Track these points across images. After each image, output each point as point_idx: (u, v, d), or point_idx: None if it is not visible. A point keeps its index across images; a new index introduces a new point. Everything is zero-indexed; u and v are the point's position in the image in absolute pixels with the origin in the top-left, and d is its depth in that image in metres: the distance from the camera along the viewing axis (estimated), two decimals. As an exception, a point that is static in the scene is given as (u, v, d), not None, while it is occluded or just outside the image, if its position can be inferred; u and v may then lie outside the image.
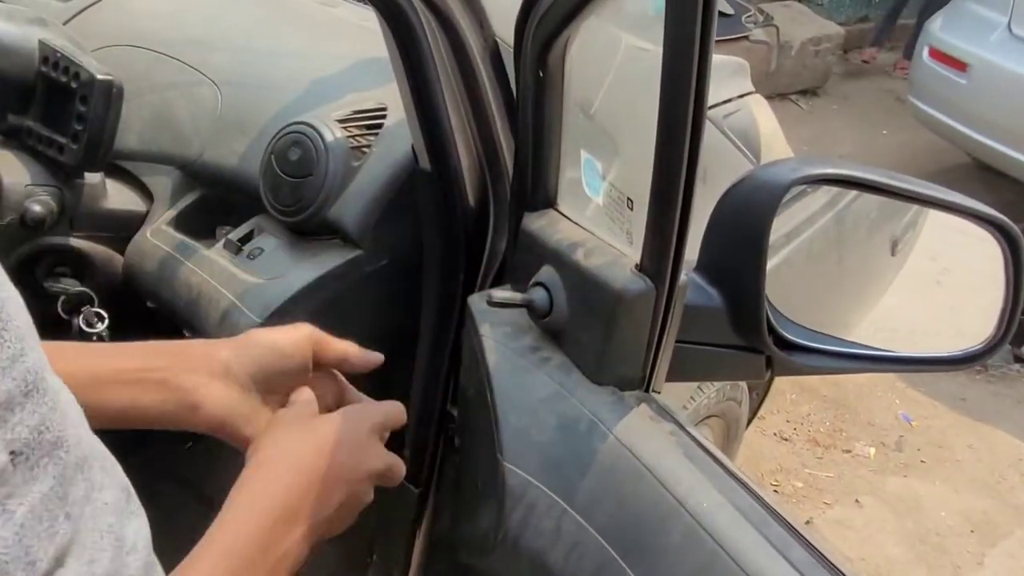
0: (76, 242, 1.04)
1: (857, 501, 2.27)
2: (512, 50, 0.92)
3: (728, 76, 1.58)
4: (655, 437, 0.69)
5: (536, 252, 0.82)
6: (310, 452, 0.60)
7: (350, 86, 1.06)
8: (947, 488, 2.35)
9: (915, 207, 1.04)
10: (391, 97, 1.05)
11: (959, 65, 3.11)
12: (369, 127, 1.00)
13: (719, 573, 0.57)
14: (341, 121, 0.98)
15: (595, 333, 0.73)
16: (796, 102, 4.77)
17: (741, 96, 1.60)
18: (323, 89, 1.07)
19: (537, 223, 0.83)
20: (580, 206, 0.82)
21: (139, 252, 1.07)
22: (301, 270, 0.96)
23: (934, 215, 1.05)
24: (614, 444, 0.69)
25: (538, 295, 0.79)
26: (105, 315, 1.03)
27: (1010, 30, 3.00)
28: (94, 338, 1.05)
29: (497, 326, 0.84)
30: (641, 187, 0.69)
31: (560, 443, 0.73)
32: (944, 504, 2.28)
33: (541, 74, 0.76)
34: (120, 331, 1.09)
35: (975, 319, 0.96)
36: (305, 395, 0.68)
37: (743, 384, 1.76)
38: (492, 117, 0.93)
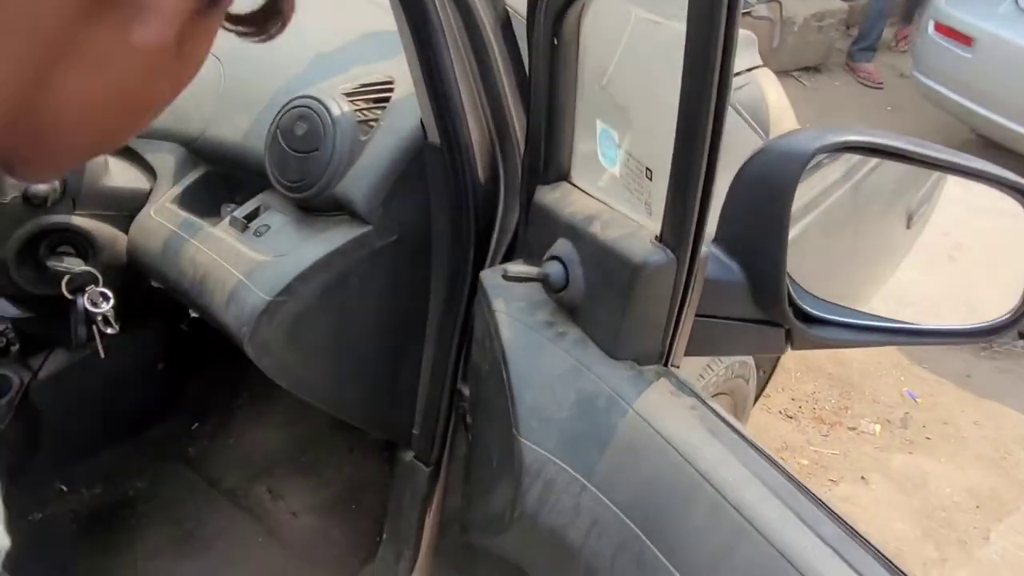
0: (79, 220, 1.03)
1: (863, 478, 2.27)
2: (524, 20, 0.90)
3: (740, 49, 1.56)
4: (676, 411, 0.68)
5: (550, 225, 0.80)
6: None
7: (355, 60, 1.04)
8: (953, 464, 2.34)
9: (931, 180, 1.02)
10: (397, 71, 1.03)
11: (965, 39, 3.08)
12: (376, 101, 0.98)
13: (746, 549, 0.56)
14: (348, 95, 0.96)
15: (613, 306, 0.72)
16: (799, 79, 4.72)
17: (750, 70, 1.58)
18: (328, 63, 1.05)
19: (550, 196, 0.82)
20: (595, 178, 0.80)
21: (143, 231, 1.05)
22: (309, 247, 0.95)
23: (949, 189, 1.04)
24: (634, 419, 0.68)
25: (553, 269, 0.77)
26: (110, 295, 1.02)
27: (1017, 3, 2.97)
28: (99, 317, 1.03)
29: (511, 301, 0.82)
30: (661, 157, 0.68)
31: (579, 419, 0.72)
32: (950, 480, 2.28)
33: (555, 43, 0.74)
34: (124, 311, 1.08)
35: (988, 295, 0.94)
36: None
37: (751, 362, 1.75)
38: (503, 89, 0.91)
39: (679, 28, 0.69)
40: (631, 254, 0.68)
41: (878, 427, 2.48)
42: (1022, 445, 2.42)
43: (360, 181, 0.94)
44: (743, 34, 1.93)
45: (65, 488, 1.57)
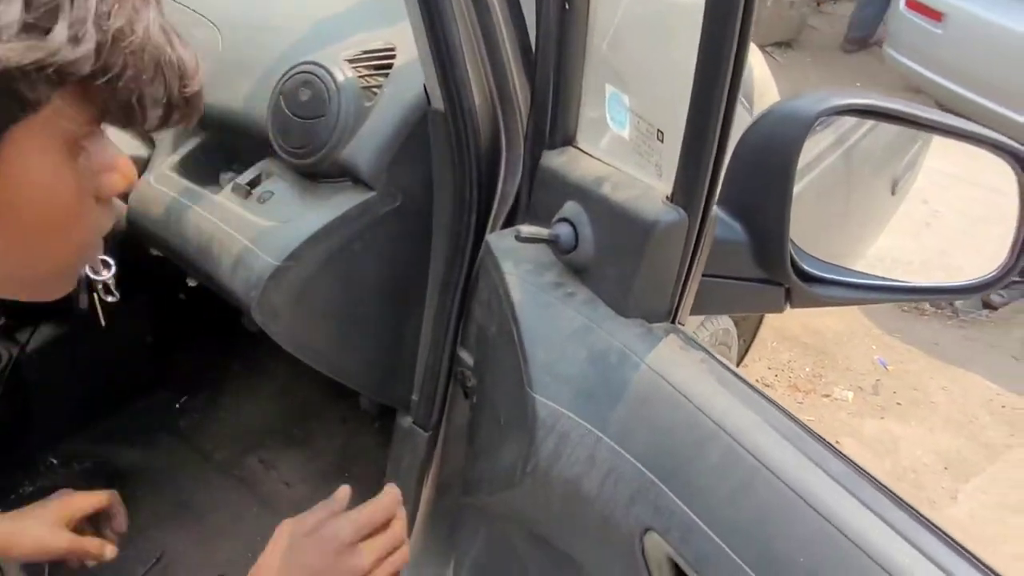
0: (79, 188, 1.02)
1: (837, 443, 2.34)
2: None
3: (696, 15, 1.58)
4: (687, 365, 0.70)
5: (557, 188, 0.82)
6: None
7: (355, 26, 1.05)
8: (922, 429, 2.43)
9: (914, 149, 1.06)
10: (398, 37, 1.03)
11: (935, 15, 3.14)
12: (378, 67, 0.99)
13: (761, 487, 0.59)
14: (351, 61, 0.97)
15: (624, 266, 0.74)
16: (771, 54, 4.77)
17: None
18: (328, 29, 1.05)
19: (557, 160, 0.83)
20: (602, 141, 0.82)
21: (143, 198, 1.05)
22: (316, 212, 0.96)
23: (929, 158, 1.07)
24: (647, 373, 0.71)
25: (563, 230, 0.79)
26: (111, 262, 1.01)
27: (985, -21, 3.03)
28: (100, 285, 1.03)
29: (520, 263, 0.84)
30: (673, 119, 0.70)
31: (591, 374, 0.74)
32: (920, 444, 2.36)
33: (567, 7, 0.75)
34: (124, 278, 1.07)
35: (962, 260, 0.99)
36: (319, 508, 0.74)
37: (733, 330, 1.79)
38: (506, 55, 0.92)
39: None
40: (644, 213, 0.70)
41: (851, 394, 2.56)
42: (987, 410, 2.51)
43: (365, 147, 0.95)
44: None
45: (55, 461, 1.57)
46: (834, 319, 2.84)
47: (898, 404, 2.53)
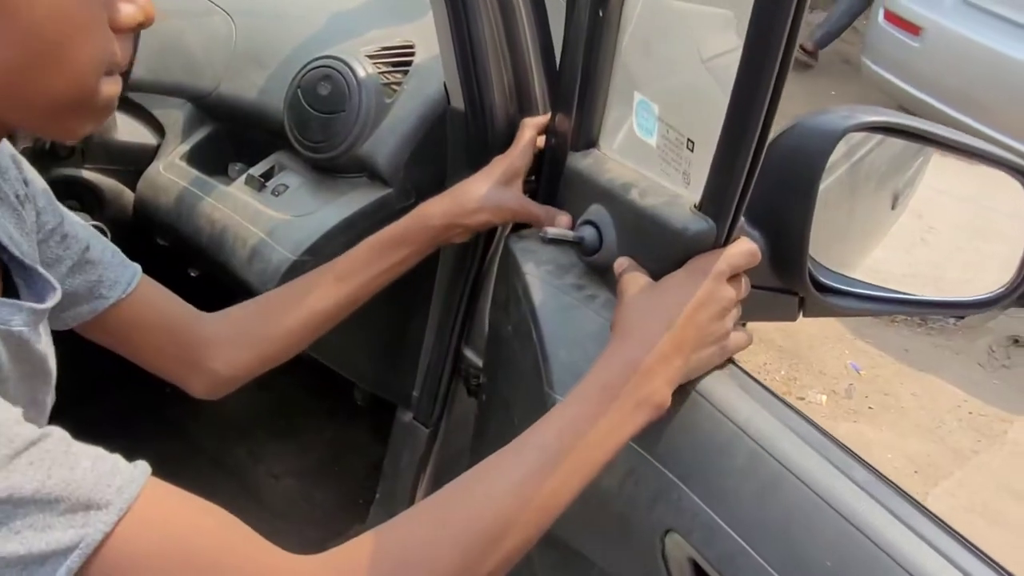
0: (87, 174, 1.01)
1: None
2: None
3: (723, 28, 1.60)
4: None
5: (582, 191, 0.83)
6: (659, 320, 0.65)
7: (372, 22, 1.05)
8: (893, 433, 2.49)
9: (915, 165, 1.09)
10: (416, 34, 1.04)
11: (913, 29, 3.21)
12: (397, 64, 0.99)
13: (786, 491, 0.61)
14: (371, 57, 0.97)
15: (648, 271, 0.75)
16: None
17: (734, 49, 1.63)
18: (344, 23, 1.05)
19: (583, 162, 0.85)
20: (626, 146, 0.84)
21: (152, 186, 1.04)
22: (333, 207, 0.96)
23: (930, 174, 1.10)
24: (668, 376, 0.72)
25: (588, 232, 0.81)
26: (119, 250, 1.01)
27: (963, -4, 3.10)
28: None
29: (540, 264, 0.85)
30: (704, 129, 0.71)
31: (612, 376, 0.76)
32: (891, 447, 2.43)
33: (600, 14, 0.76)
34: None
35: (956, 273, 1.02)
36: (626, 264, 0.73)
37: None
38: (528, 57, 0.93)
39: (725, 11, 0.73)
40: (673, 221, 0.71)
41: (824, 397, 2.62)
42: (955, 415, 2.58)
43: (384, 144, 0.96)
44: (723, 13, 1.98)
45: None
46: (808, 323, 2.90)
47: (870, 408, 2.59)
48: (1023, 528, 2.17)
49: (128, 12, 0.49)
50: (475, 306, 1.09)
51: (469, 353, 1.13)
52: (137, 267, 0.78)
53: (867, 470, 0.61)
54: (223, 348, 0.82)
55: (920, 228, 1.16)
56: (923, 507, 0.57)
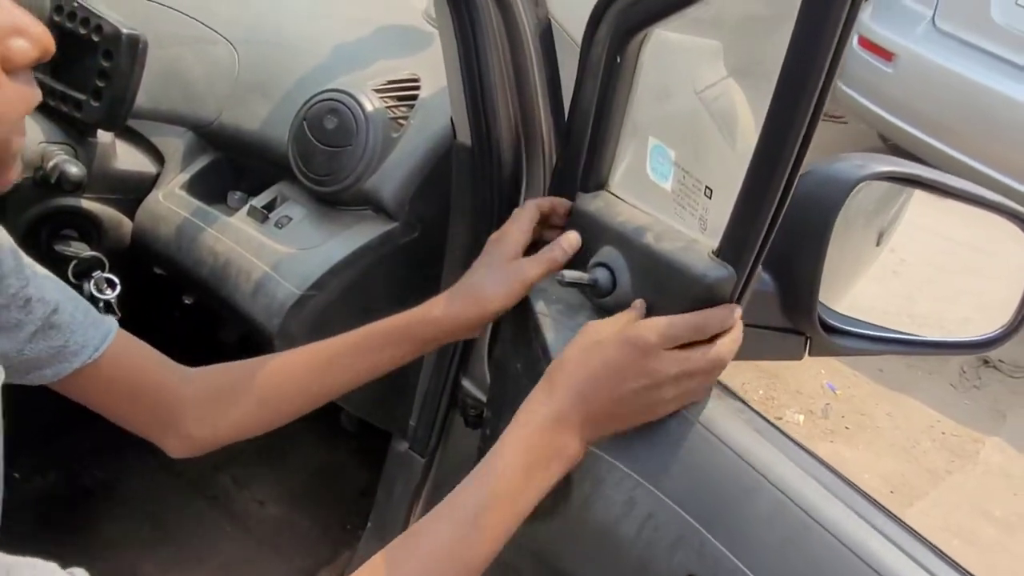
0: (86, 204, 0.99)
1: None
2: (561, 31, 0.92)
3: (712, 59, 1.62)
4: (725, 414, 0.73)
5: (592, 232, 0.83)
6: (585, 369, 0.68)
7: (377, 54, 1.04)
8: (869, 452, 2.53)
9: (899, 202, 1.12)
10: (421, 68, 1.04)
11: (886, 55, 3.28)
12: (403, 98, 0.99)
13: (813, 541, 0.61)
14: (378, 91, 0.97)
15: (664, 314, 0.76)
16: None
17: (722, 80, 1.65)
18: (349, 55, 1.04)
19: (593, 204, 0.85)
20: (638, 190, 0.84)
21: (151, 216, 1.03)
22: (338, 241, 0.95)
23: (911, 212, 1.13)
24: (686, 420, 0.73)
25: (602, 275, 0.81)
26: (117, 281, 0.99)
27: (934, 23, 3.18)
28: (101, 304, 1.00)
29: (551, 304, 0.85)
30: (723, 177, 0.72)
31: (628, 419, 0.76)
32: (867, 467, 2.46)
33: (618, 60, 0.77)
34: (126, 297, 1.05)
35: (928, 307, 1.04)
36: (628, 314, 0.72)
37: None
38: (536, 96, 0.94)
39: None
40: (691, 267, 0.72)
41: (802, 417, 2.65)
42: (928, 436, 2.63)
43: (390, 178, 0.95)
44: (711, 44, 2.00)
45: (17, 475, 1.51)
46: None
47: (846, 428, 2.63)
48: (996, 548, 2.22)
49: (21, 50, 0.43)
50: (473, 339, 1.08)
51: (467, 384, 1.12)
52: (112, 325, 0.75)
53: (893, 521, 0.61)
54: (200, 410, 0.79)
55: (894, 261, 1.18)
56: (951, 560, 0.58)
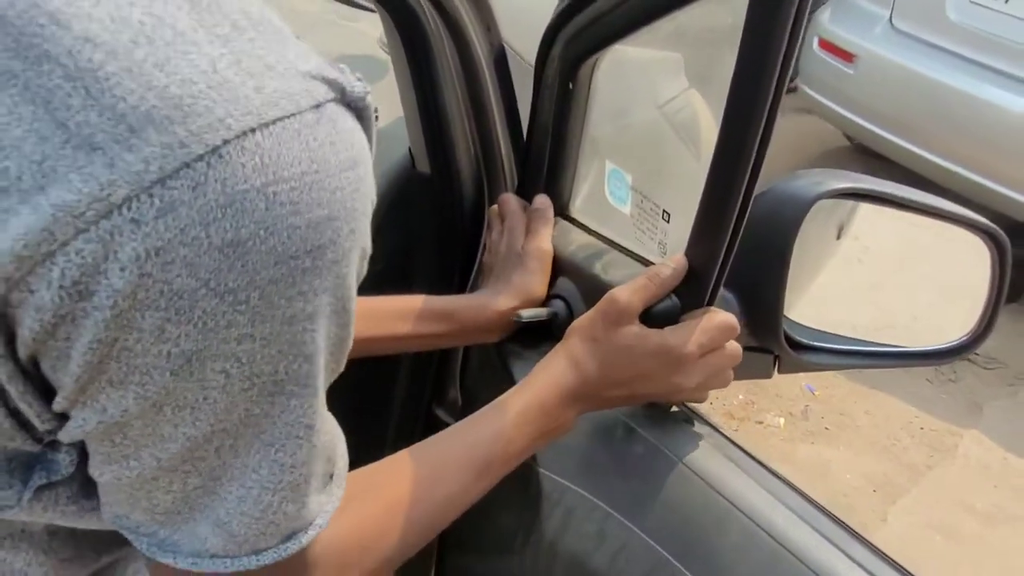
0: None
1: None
2: (515, 55, 0.92)
3: (672, 72, 1.63)
4: (693, 441, 0.72)
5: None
6: (612, 358, 0.67)
7: (331, 85, 1.03)
8: (850, 452, 2.54)
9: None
10: (376, 98, 1.02)
11: (846, 56, 3.31)
12: (360, 129, 0.98)
13: (784, 571, 0.61)
14: (333, 123, 0.95)
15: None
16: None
17: (684, 92, 1.66)
18: (303, 87, 1.03)
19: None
20: (598, 214, 0.84)
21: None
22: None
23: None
24: (654, 448, 0.72)
25: (559, 307, 0.80)
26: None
27: (892, 24, 3.22)
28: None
29: (515, 335, 0.85)
30: (679, 201, 0.72)
31: (597, 448, 0.75)
32: (849, 467, 2.47)
33: (570, 86, 0.77)
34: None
35: (894, 294, 1.04)
36: (643, 282, 0.69)
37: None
38: (493, 122, 0.93)
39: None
40: None
41: (782, 420, 2.66)
42: (908, 432, 2.65)
43: (349, 211, 0.94)
44: (672, 56, 2.01)
45: None
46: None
47: (826, 429, 2.64)
48: (978, 542, 2.23)
49: None
50: (447, 367, 1.07)
51: (442, 414, 1.11)
52: None
53: (864, 546, 0.61)
54: None
55: (856, 249, 1.18)
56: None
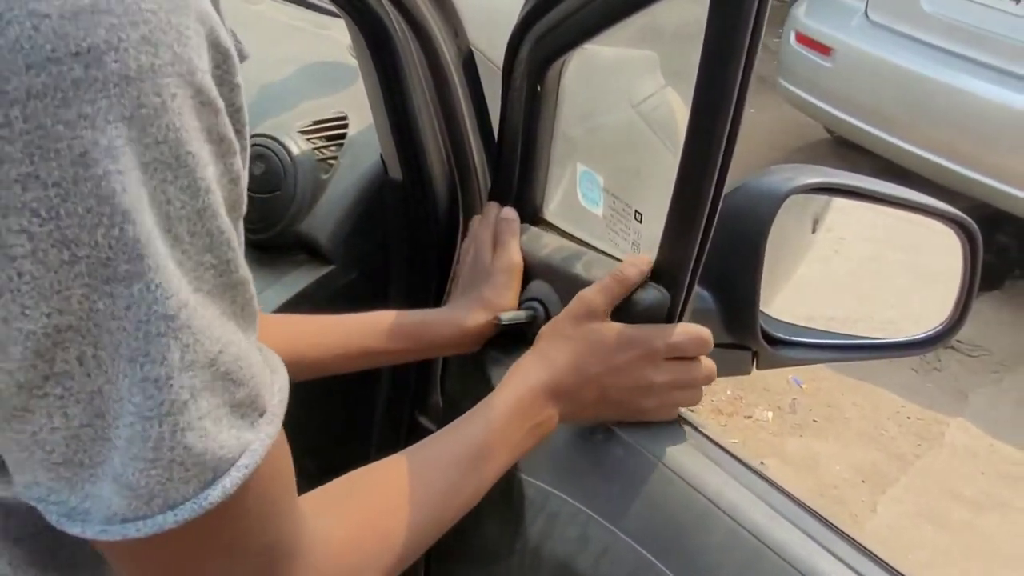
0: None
1: (762, 463, 2.42)
2: (483, 58, 0.91)
3: (648, 70, 1.63)
4: (673, 441, 0.72)
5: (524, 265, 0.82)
6: (582, 352, 0.67)
7: (302, 94, 1.02)
8: (839, 444, 2.55)
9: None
10: (347, 104, 1.02)
11: (823, 49, 3.33)
12: (331, 138, 0.97)
13: (766, 567, 0.60)
14: (304, 132, 0.95)
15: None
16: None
17: (661, 89, 1.66)
18: (274, 98, 1.02)
19: (521, 237, 0.84)
20: (571, 217, 0.83)
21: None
22: (273, 290, 0.93)
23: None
24: (635, 450, 0.72)
25: (536, 309, 0.80)
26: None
27: (867, 16, 3.24)
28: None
29: (494, 340, 0.84)
30: (651, 200, 0.71)
31: (578, 452, 0.75)
32: (838, 459, 2.48)
33: (539, 89, 0.76)
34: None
35: (871, 284, 1.04)
36: (611, 281, 0.70)
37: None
38: (464, 127, 0.92)
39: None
40: None
41: (771, 414, 2.66)
42: (895, 421, 2.66)
43: (323, 221, 0.93)
44: (647, 55, 2.01)
45: None
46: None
47: (815, 421, 2.65)
48: (967, 530, 2.24)
49: None
50: (429, 374, 1.07)
51: (425, 421, 1.10)
52: None
53: (847, 543, 0.61)
54: None
55: (832, 240, 1.18)
56: (895, 571, 0.57)
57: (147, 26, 0.32)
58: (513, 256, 0.81)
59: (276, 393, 0.44)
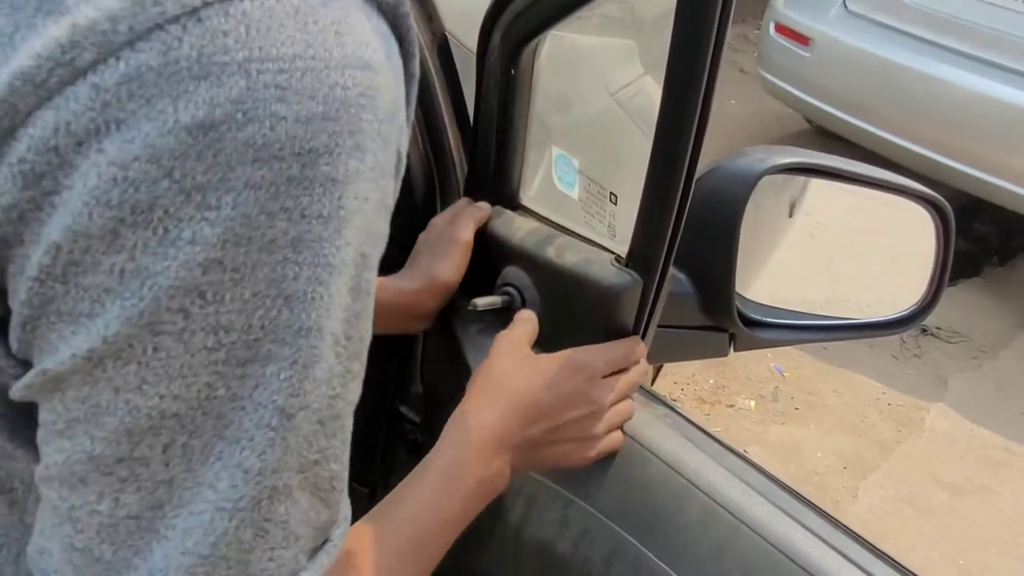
0: None
1: (746, 451, 2.45)
2: (458, 43, 0.91)
3: (626, 59, 1.63)
4: (650, 422, 0.72)
5: (494, 253, 0.81)
6: (527, 388, 0.64)
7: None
8: (820, 431, 2.57)
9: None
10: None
11: (802, 39, 3.35)
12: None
13: (742, 544, 0.61)
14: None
15: (575, 330, 0.74)
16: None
17: (639, 78, 1.66)
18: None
19: (496, 221, 0.83)
20: (548, 200, 0.83)
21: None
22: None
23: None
24: (612, 431, 0.72)
25: (511, 294, 0.80)
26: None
27: (846, 6, 3.26)
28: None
29: (468, 324, 0.84)
30: (626, 182, 0.71)
31: (556, 435, 0.75)
32: (819, 446, 2.50)
33: (512, 72, 0.76)
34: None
35: (848, 268, 1.05)
36: (525, 316, 0.71)
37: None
38: (440, 112, 0.92)
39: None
40: (596, 277, 0.70)
41: (753, 403, 2.68)
42: (876, 408, 2.68)
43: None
44: (625, 43, 2.02)
45: None
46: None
47: (796, 409, 2.67)
48: (948, 514, 2.27)
49: None
50: (409, 362, 1.06)
51: (406, 411, 1.10)
52: None
53: (819, 516, 0.61)
54: None
55: (809, 224, 1.19)
56: (879, 550, 0.58)
57: (362, 135, 0.33)
58: (460, 232, 0.80)
59: (342, 523, 0.42)
